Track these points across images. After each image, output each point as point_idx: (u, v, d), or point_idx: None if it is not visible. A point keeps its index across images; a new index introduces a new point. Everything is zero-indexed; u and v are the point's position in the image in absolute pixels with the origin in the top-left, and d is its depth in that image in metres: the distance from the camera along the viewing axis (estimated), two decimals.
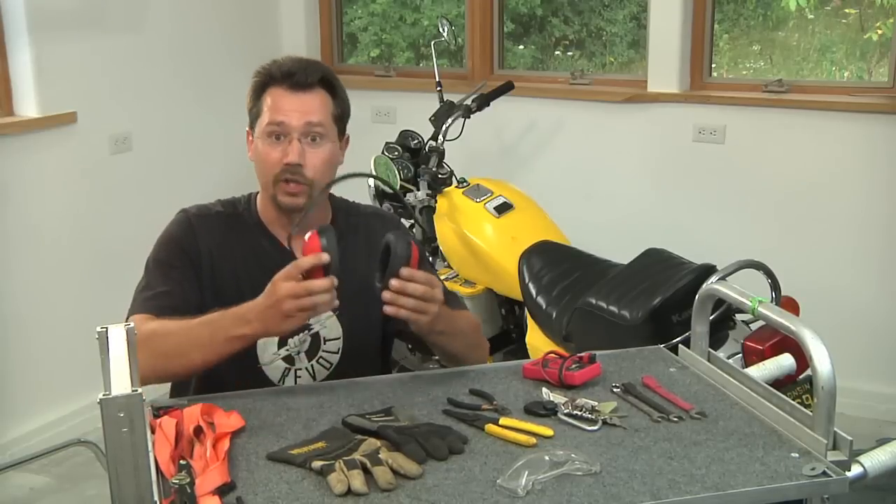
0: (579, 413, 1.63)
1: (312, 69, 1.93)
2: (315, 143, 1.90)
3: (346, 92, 1.99)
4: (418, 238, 3.15)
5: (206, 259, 1.92)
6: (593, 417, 1.62)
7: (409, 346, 3.07)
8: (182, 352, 1.74)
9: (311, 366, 1.96)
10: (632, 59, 4.50)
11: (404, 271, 1.69)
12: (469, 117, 3.45)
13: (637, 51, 4.43)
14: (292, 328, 1.73)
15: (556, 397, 1.70)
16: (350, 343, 1.98)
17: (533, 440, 1.54)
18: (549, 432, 1.57)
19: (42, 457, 3.29)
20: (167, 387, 1.93)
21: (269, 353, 1.92)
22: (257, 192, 2.01)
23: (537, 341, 2.93)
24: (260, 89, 1.94)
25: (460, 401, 1.70)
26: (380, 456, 1.47)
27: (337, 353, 1.97)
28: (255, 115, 1.95)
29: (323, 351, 1.97)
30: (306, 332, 1.94)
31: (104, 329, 1.46)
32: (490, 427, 1.58)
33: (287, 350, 1.93)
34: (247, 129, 1.99)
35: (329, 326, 1.95)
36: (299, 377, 1.95)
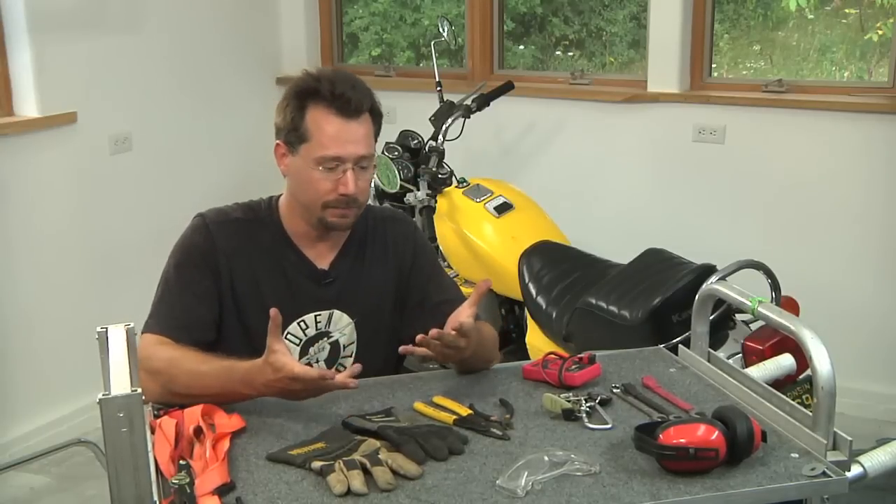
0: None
1: (362, 94, 1.86)
2: (363, 170, 1.87)
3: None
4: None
5: (224, 267, 1.88)
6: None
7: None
8: (191, 393, 1.70)
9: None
10: (632, 59, 4.50)
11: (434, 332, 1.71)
12: (469, 117, 3.45)
13: (637, 51, 4.43)
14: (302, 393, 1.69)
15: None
16: (364, 348, 1.98)
17: (452, 417, 1.65)
18: (466, 411, 1.66)
19: (42, 457, 3.29)
20: None
21: None
22: (278, 197, 1.97)
23: (537, 341, 2.93)
24: (301, 107, 1.85)
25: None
26: (379, 456, 1.47)
27: (351, 356, 1.97)
28: (298, 135, 1.85)
29: (341, 356, 1.97)
30: (325, 339, 1.94)
31: (104, 329, 1.46)
32: (417, 404, 1.70)
33: (307, 359, 1.92)
34: (277, 140, 1.90)
35: (347, 333, 1.95)
36: None
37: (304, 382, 1.63)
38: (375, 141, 1.94)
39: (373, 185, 3.28)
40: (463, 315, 1.76)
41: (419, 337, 1.71)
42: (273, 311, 1.64)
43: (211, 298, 1.87)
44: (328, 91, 1.83)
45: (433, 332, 1.70)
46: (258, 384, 1.66)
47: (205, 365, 1.73)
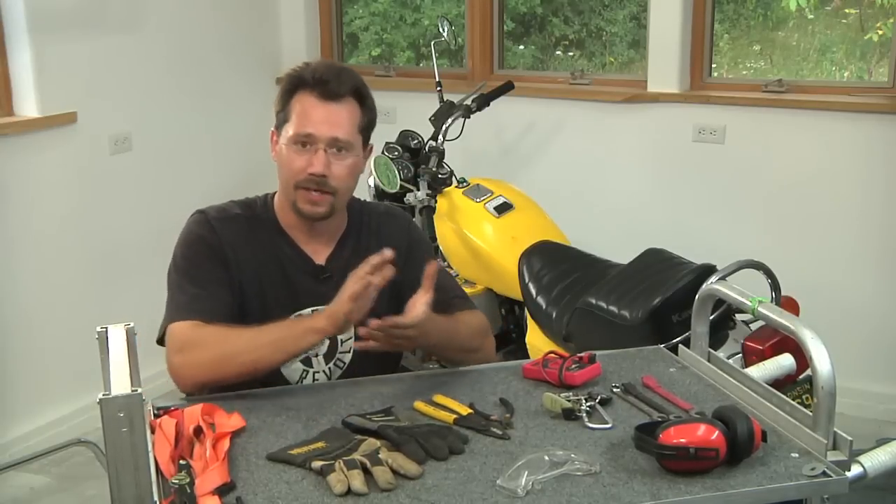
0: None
1: (345, 78, 1.91)
2: (340, 155, 1.89)
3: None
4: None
5: (232, 260, 1.89)
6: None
7: None
8: (250, 347, 1.75)
9: (329, 368, 1.96)
10: (632, 59, 4.50)
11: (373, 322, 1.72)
12: (469, 117, 3.45)
13: (637, 51, 4.43)
14: (355, 311, 1.72)
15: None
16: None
17: (452, 416, 1.64)
18: (467, 410, 1.66)
19: (42, 457, 3.29)
20: (167, 386, 1.92)
21: None
22: (273, 193, 1.99)
23: (537, 341, 2.93)
24: (290, 92, 1.91)
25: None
26: (380, 456, 1.47)
27: (349, 352, 1.97)
28: (282, 119, 1.92)
29: (339, 352, 1.97)
30: None
31: (104, 329, 1.46)
32: (417, 403, 1.69)
33: (306, 353, 1.92)
34: (272, 129, 1.96)
35: None
36: (316, 379, 1.95)
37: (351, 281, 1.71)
38: (365, 134, 1.95)
39: (373, 185, 3.29)
40: (417, 302, 1.77)
41: (362, 330, 1.73)
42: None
43: (222, 281, 1.88)
44: (311, 76, 1.89)
45: (374, 322, 1.72)
46: (325, 312, 1.75)
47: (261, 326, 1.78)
